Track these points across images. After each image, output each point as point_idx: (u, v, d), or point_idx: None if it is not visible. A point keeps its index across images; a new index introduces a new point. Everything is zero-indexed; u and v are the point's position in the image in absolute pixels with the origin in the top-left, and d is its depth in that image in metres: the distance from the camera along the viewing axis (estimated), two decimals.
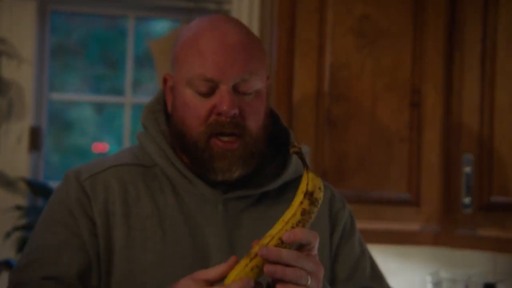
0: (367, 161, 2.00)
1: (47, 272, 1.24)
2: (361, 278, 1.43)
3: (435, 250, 2.27)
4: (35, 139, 2.49)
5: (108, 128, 2.75)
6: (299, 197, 1.14)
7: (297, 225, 1.12)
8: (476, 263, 2.24)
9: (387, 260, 2.29)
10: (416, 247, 2.27)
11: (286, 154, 1.40)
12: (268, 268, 1.09)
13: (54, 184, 2.45)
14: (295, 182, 1.39)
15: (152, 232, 1.26)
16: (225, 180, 1.30)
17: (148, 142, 1.35)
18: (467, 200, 1.92)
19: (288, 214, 1.13)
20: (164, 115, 1.38)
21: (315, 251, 1.14)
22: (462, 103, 1.98)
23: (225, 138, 1.28)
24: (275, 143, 1.43)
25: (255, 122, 1.30)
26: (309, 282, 1.11)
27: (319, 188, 1.14)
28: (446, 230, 2.01)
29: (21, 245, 2.31)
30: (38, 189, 2.39)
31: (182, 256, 1.26)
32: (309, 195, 1.13)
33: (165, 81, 1.38)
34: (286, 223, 1.12)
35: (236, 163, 1.28)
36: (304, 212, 1.13)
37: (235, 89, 1.28)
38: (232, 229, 1.30)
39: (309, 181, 1.14)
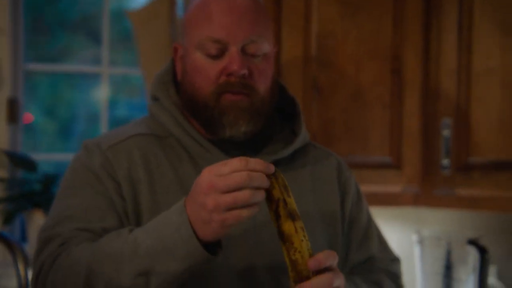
0: (352, 127, 2.04)
1: (80, 226, 1.24)
2: (370, 246, 1.49)
3: (413, 210, 2.34)
4: (12, 111, 2.45)
5: (32, 98, 2.66)
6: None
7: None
8: (453, 221, 2.33)
9: None
10: (395, 208, 2.34)
11: (293, 123, 1.44)
12: None
13: None
14: (303, 149, 1.44)
15: (176, 198, 1.27)
16: (232, 135, 1.32)
17: (161, 113, 1.37)
18: (445, 161, 1.98)
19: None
20: (174, 86, 1.40)
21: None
22: (440, 68, 2.03)
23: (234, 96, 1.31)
24: (282, 113, 1.47)
25: (263, 84, 1.33)
26: None
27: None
28: (426, 191, 2.07)
29: (6, 218, 2.29)
30: (19, 161, 2.36)
31: None
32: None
33: (175, 50, 1.40)
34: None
35: (242, 117, 1.31)
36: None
37: (244, 51, 1.31)
38: None
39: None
